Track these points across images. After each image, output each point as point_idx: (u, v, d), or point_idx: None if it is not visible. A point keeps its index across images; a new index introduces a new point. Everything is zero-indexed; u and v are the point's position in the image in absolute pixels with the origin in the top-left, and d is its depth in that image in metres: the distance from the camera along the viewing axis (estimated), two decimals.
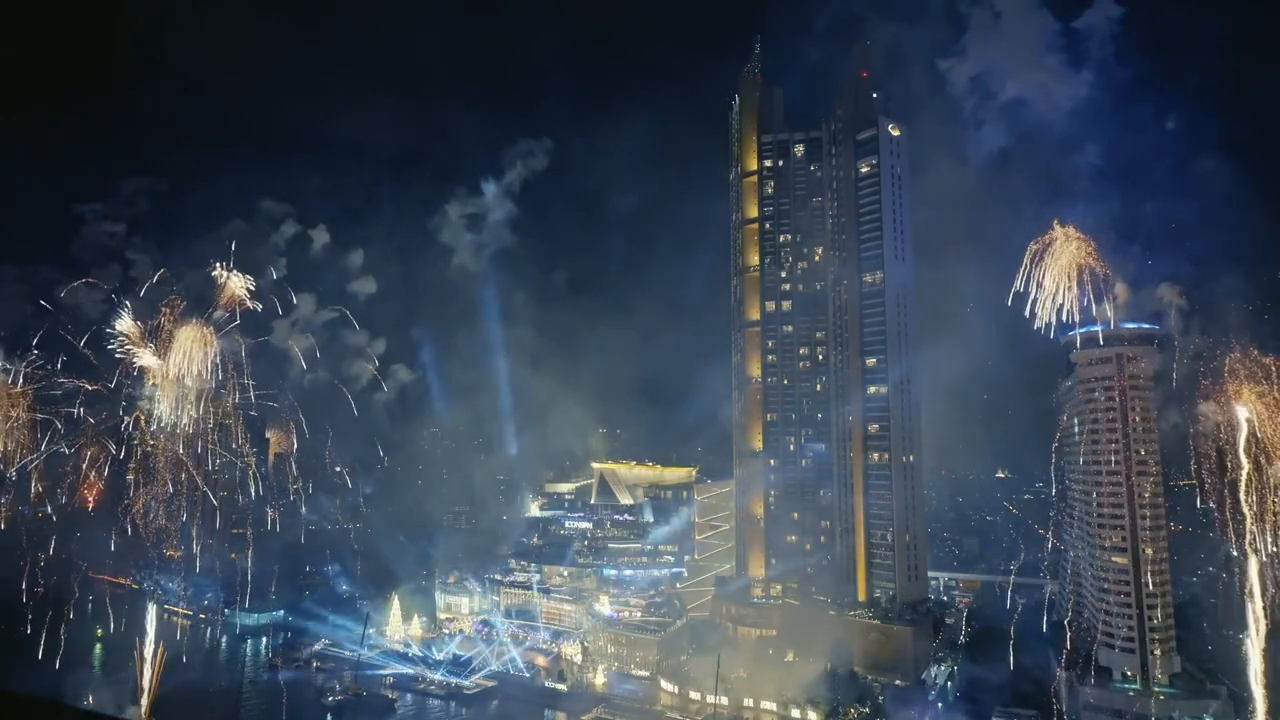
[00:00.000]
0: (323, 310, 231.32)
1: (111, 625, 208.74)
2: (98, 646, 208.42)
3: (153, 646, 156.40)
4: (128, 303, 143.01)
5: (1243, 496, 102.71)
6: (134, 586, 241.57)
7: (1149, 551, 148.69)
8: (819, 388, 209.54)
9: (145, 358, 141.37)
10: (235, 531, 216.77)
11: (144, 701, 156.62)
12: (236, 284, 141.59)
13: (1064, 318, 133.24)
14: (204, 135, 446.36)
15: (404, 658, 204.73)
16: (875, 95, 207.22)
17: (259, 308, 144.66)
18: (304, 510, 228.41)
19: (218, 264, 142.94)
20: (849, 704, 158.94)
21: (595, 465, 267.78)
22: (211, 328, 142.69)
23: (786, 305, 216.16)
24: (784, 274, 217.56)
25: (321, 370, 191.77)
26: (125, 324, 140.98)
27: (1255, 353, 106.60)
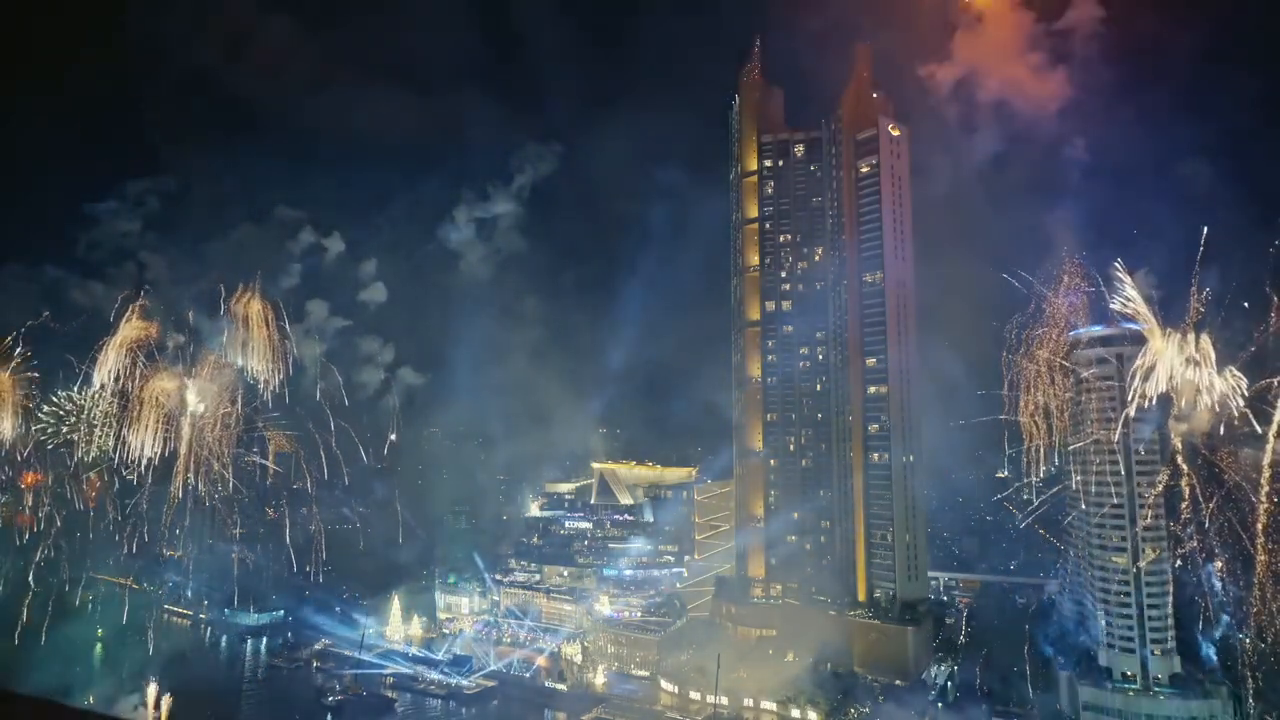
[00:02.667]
0: (334, 317, 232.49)
1: (112, 625, 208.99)
2: (98, 646, 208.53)
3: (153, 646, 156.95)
4: (145, 302, 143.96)
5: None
6: (134, 586, 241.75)
7: (1149, 551, 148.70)
8: (819, 388, 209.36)
9: (165, 379, 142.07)
10: (237, 532, 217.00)
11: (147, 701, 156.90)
12: (256, 309, 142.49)
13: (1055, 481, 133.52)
14: (211, 136, 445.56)
15: (404, 658, 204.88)
16: (875, 95, 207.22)
17: (284, 352, 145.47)
18: (305, 510, 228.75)
19: (241, 285, 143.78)
20: (848, 704, 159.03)
21: (595, 465, 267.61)
22: (232, 348, 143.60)
23: (786, 305, 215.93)
24: (784, 274, 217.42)
25: (329, 374, 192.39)
26: (139, 327, 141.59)
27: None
